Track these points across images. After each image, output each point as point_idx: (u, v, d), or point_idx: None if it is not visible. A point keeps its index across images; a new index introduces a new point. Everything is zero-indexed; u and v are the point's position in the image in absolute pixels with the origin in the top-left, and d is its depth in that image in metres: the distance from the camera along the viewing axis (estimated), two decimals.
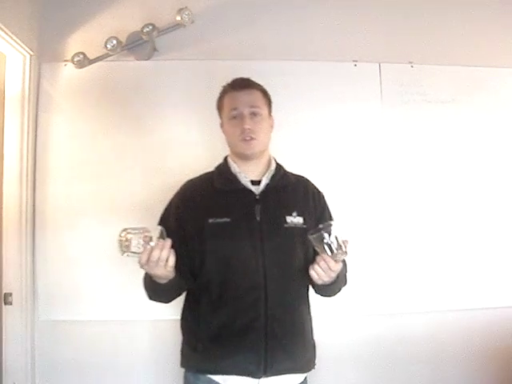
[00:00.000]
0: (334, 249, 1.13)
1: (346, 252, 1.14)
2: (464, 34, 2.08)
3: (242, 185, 1.33)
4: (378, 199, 1.97)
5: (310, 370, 1.37)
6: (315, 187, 1.44)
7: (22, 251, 1.85)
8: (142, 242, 1.09)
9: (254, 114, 1.32)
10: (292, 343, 1.29)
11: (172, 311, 1.87)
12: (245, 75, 1.93)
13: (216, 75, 1.96)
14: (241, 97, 1.33)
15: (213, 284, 1.27)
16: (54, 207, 1.89)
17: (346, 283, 1.36)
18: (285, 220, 1.30)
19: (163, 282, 1.19)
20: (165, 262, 1.11)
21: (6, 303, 1.83)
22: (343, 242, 1.14)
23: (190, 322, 1.34)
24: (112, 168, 1.91)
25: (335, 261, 1.15)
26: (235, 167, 1.35)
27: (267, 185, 1.34)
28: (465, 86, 2.05)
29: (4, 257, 1.85)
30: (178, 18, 1.87)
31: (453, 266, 1.96)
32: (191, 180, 1.41)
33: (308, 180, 1.45)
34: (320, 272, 1.16)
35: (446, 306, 1.95)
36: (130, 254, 1.10)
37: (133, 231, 1.10)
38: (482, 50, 2.08)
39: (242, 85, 1.36)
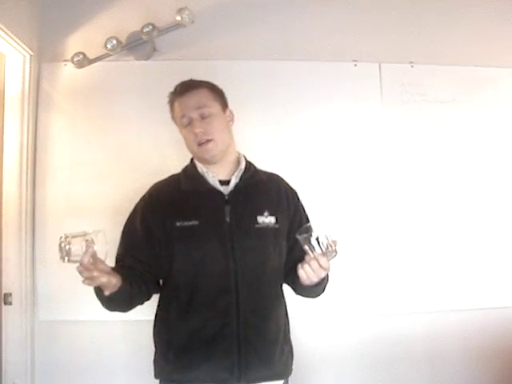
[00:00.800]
0: (323, 248, 1.10)
1: (335, 251, 1.11)
2: (464, 34, 2.08)
3: (210, 185, 1.28)
4: (378, 199, 1.97)
5: (287, 375, 1.31)
6: (288, 185, 1.39)
7: (22, 251, 1.85)
8: (83, 247, 1.00)
9: (203, 115, 1.25)
10: (268, 349, 1.24)
11: None
12: (245, 75, 1.95)
13: (216, 75, 1.96)
14: (186, 101, 1.27)
15: (181, 290, 1.23)
16: (53, 207, 1.89)
17: (328, 281, 1.29)
18: (256, 220, 1.25)
19: (107, 293, 1.11)
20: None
21: (5, 303, 1.83)
22: (333, 242, 1.11)
23: (160, 331, 1.30)
24: (112, 168, 1.91)
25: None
26: (202, 167, 1.29)
27: (236, 184, 1.29)
28: (465, 86, 2.05)
29: (4, 257, 1.85)
30: (178, 18, 1.86)
31: (452, 266, 1.96)
32: (158, 182, 1.35)
33: (281, 178, 1.39)
34: (309, 272, 1.11)
35: (445, 306, 1.95)
36: (71, 259, 1.01)
37: (75, 235, 1.01)
38: (482, 50, 2.08)
39: (185, 88, 1.29)
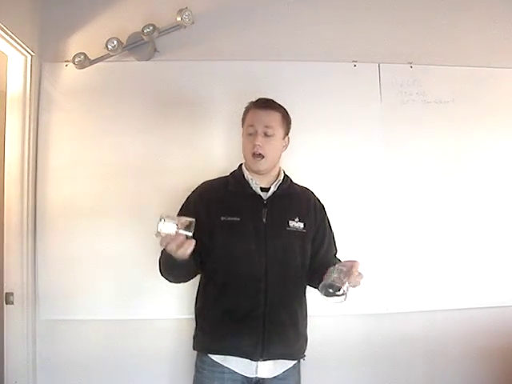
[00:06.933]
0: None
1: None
2: (463, 34, 2.08)
3: (253, 190, 1.50)
4: (378, 199, 1.97)
5: (299, 357, 1.53)
6: (317, 199, 1.61)
7: (24, 251, 1.86)
8: (175, 227, 1.19)
9: (267, 133, 1.46)
10: (285, 331, 1.45)
11: (171, 311, 1.89)
12: (245, 75, 1.96)
13: (216, 76, 1.98)
14: (259, 115, 1.48)
15: (219, 274, 1.43)
16: (55, 207, 1.90)
17: None
18: (287, 224, 1.47)
19: (178, 260, 1.26)
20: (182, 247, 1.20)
21: (7, 303, 1.84)
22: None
23: (200, 306, 1.52)
24: (113, 168, 1.91)
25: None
26: (248, 175, 1.52)
27: (274, 192, 1.51)
28: (465, 86, 2.05)
29: (5, 257, 1.86)
30: (179, 19, 1.87)
31: (452, 265, 1.97)
32: (208, 181, 1.57)
33: (312, 192, 1.62)
34: None
35: (445, 305, 1.96)
36: (161, 233, 1.19)
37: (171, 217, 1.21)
38: (482, 50, 2.08)
39: (263, 105, 1.50)
